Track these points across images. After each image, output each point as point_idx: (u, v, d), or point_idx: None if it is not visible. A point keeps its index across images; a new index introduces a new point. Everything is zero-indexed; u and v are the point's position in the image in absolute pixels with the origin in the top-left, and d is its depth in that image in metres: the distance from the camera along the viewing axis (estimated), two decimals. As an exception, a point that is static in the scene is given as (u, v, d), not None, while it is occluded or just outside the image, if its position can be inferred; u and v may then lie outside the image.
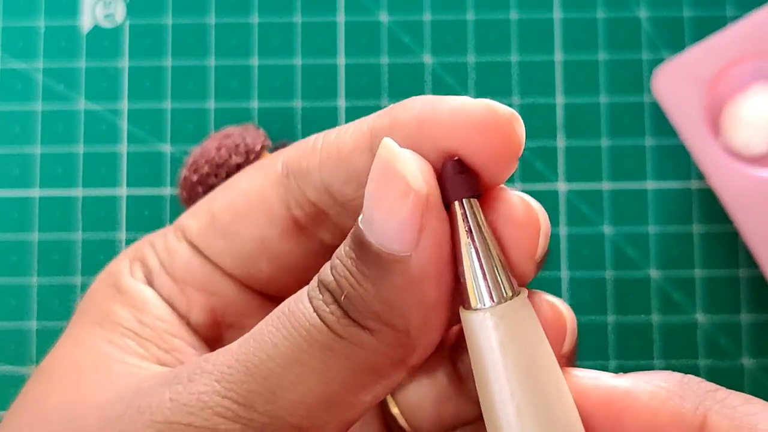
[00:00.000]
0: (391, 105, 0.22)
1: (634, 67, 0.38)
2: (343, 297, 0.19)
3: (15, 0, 0.39)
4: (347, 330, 0.19)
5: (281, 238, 0.23)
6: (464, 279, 0.20)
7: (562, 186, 0.37)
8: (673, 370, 0.20)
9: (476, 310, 0.19)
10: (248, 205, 0.24)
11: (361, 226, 0.19)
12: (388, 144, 0.19)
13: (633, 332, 0.36)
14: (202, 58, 0.39)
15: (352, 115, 0.38)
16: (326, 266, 0.20)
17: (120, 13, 0.39)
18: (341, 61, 0.38)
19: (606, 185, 0.37)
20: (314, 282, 0.20)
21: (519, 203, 0.21)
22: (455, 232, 0.20)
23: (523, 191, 0.38)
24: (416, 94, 0.38)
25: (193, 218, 0.25)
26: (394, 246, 0.19)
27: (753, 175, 0.34)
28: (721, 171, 0.34)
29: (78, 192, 0.38)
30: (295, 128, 0.38)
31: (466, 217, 0.20)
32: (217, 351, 0.21)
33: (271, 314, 0.20)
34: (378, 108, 0.39)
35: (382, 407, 0.26)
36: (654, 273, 0.37)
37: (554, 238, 0.37)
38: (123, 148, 0.38)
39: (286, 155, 0.23)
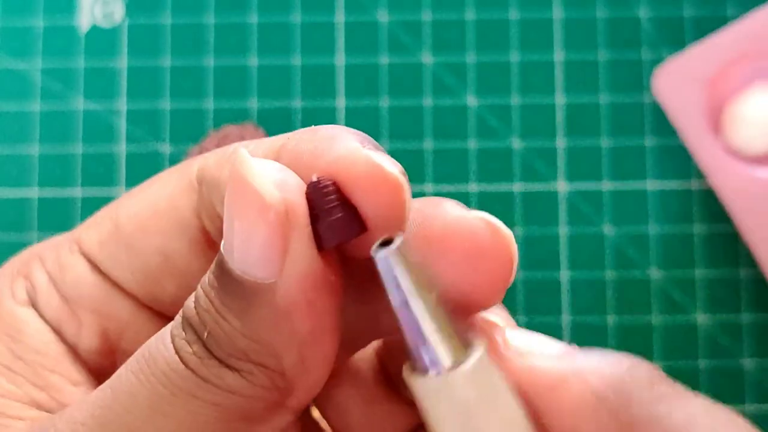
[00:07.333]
0: (312, 128, 0.20)
1: (634, 66, 0.38)
2: (206, 334, 0.17)
3: (13, -1, 0.39)
4: (212, 372, 0.17)
5: (189, 252, 0.21)
6: (405, 341, 0.16)
7: (562, 186, 0.37)
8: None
9: (421, 375, 0.16)
10: (155, 212, 0.21)
11: (222, 250, 0.17)
12: (242, 153, 0.17)
13: (633, 332, 0.36)
14: (200, 58, 0.39)
15: (352, 114, 0.38)
16: (190, 298, 0.18)
17: (118, 12, 0.39)
18: (340, 60, 0.38)
19: (606, 185, 0.37)
20: (178, 317, 0.18)
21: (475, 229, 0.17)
22: (379, 282, 0.16)
23: (523, 191, 0.39)
24: (416, 94, 0.38)
25: (93, 228, 0.22)
26: (256, 272, 0.16)
27: (753, 175, 0.34)
28: (722, 171, 0.34)
29: (76, 192, 0.38)
30: (295, 128, 0.38)
31: (393, 264, 0.16)
32: (72, 405, 0.19)
33: (132, 357, 0.18)
34: (377, 108, 0.40)
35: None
36: (654, 273, 0.37)
37: (554, 239, 0.37)
38: (121, 148, 0.38)
39: (203, 161, 0.21)
